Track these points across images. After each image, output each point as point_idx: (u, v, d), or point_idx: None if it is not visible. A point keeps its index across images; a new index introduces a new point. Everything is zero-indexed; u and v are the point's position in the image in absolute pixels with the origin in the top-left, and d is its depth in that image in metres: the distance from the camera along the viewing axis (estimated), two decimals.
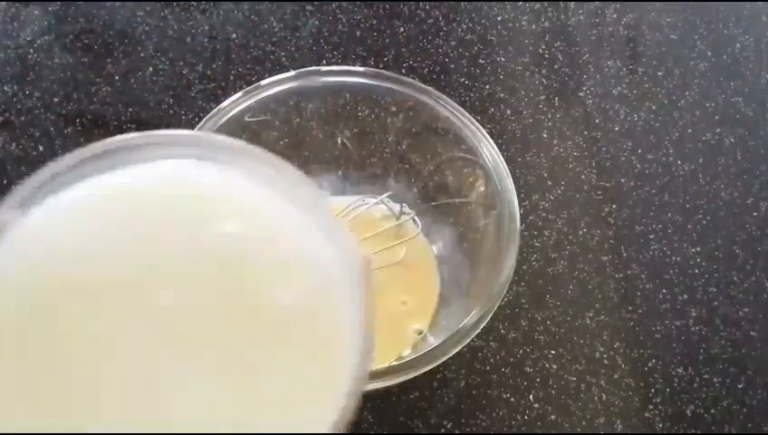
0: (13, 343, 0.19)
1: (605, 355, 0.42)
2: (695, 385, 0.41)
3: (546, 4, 0.57)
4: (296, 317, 0.21)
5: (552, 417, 0.40)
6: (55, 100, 0.49)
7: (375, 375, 0.32)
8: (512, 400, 0.40)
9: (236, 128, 0.38)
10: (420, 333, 0.40)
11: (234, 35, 0.53)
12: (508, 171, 0.37)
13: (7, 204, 0.20)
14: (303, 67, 0.40)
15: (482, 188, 0.39)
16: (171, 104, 0.49)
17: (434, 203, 0.43)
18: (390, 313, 0.40)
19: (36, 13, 0.53)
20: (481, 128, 0.39)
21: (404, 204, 0.43)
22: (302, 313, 0.21)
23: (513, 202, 0.37)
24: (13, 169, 0.46)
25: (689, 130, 0.51)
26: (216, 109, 0.38)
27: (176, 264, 0.21)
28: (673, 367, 0.42)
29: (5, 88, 0.49)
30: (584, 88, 0.53)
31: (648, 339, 0.42)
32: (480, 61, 0.53)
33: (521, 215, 0.37)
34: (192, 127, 0.45)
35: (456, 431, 0.39)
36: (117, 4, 0.54)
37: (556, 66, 0.54)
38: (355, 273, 0.20)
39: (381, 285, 0.40)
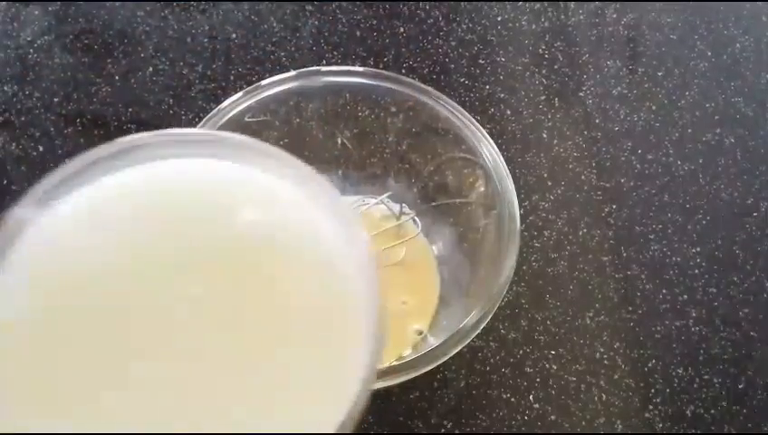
0: (32, 340, 0.19)
1: (605, 356, 0.42)
2: (695, 385, 0.41)
3: (546, 4, 0.57)
4: (312, 318, 0.21)
5: (552, 417, 0.40)
6: (55, 100, 0.49)
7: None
8: (512, 400, 0.40)
9: (236, 128, 0.38)
10: (420, 333, 0.40)
11: (234, 35, 0.53)
12: (508, 171, 0.37)
13: (26, 201, 0.20)
14: (304, 67, 0.40)
15: (482, 189, 0.39)
16: (171, 104, 0.49)
17: (434, 203, 0.43)
18: (390, 313, 0.40)
19: (36, 13, 0.53)
20: (481, 128, 0.39)
21: (404, 204, 0.43)
22: (318, 313, 0.21)
23: (514, 202, 0.36)
24: (13, 169, 0.46)
25: (689, 130, 0.51)
26: (216, 109, 0.38)
27: (191, 263, 0.21)
28: (673, 367, 0.42)
29: (5, 88, 0.49)
30: (584, 88, 0.53)
31: (647, 339, 0.42)
32: (480, 61, 0.53)
33: (521, 215, 0.36)
34: (192, 127, 0.45)
35: (456, 431, 0.39)
36: (117, 4, 0.54)
37: (556, 66, 0.54)
38: (371, 272, 0.20)
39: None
